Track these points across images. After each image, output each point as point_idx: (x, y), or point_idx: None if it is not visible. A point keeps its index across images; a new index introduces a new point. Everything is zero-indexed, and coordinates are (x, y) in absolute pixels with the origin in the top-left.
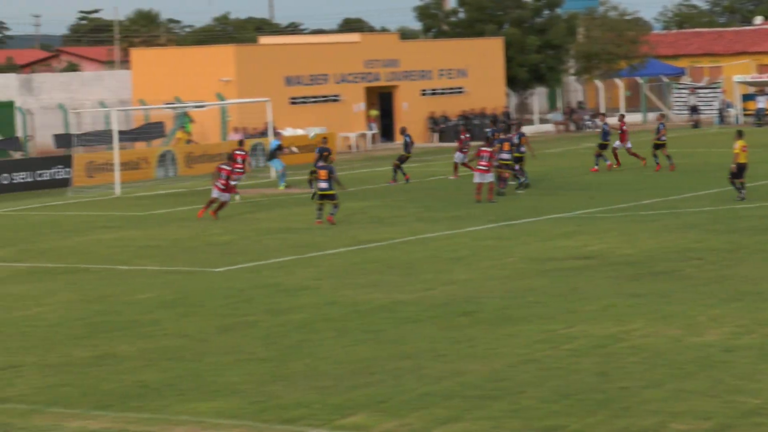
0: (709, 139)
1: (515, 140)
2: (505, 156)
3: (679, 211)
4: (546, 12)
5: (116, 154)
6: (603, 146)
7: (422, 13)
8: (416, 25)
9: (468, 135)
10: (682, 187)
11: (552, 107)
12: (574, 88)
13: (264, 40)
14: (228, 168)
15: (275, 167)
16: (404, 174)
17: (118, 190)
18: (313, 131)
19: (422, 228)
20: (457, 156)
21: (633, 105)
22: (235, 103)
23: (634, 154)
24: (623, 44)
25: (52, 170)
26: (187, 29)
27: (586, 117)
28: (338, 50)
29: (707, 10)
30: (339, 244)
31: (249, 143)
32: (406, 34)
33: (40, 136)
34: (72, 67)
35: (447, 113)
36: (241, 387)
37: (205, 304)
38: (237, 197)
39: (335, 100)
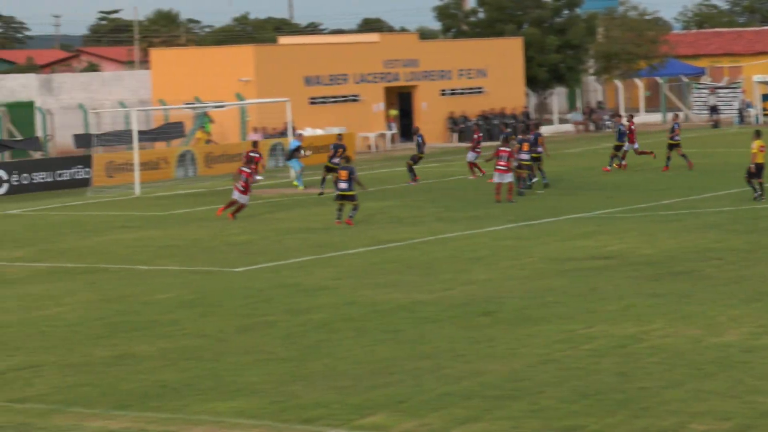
0: (728, 139)
1: (531, 140)
2: (524, 156)
3: (699, 211)
4: (566, 12)
5: (136, 154)
6: (618, 147)
7: (442, 13)
8: (435, 25)
9: (481, 134)
10: (702, 187)
11: (571, 107)
12: (594, 88)
13: (283, 40)
14: (248, 170)
15: (294, 168)
16: (414, 175)
17: (137, 190)
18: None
19: (442, 228)
20: (470, 155)
21: (652, 105)
22: (254, 103)
23: (642, 153)
24: (643, 44)
25: (72, 170)
26: (207, 29)
27: (606, 117)
28: (358, 50)
29: (727, 10)
30: (358, 244)
31: (268, 143)
32: (425, 34)
33: (60, 136)
34: (92, 68)
35: (466, 113)
36: (261, 387)
37: (225, 304)
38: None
39: (354, 100)
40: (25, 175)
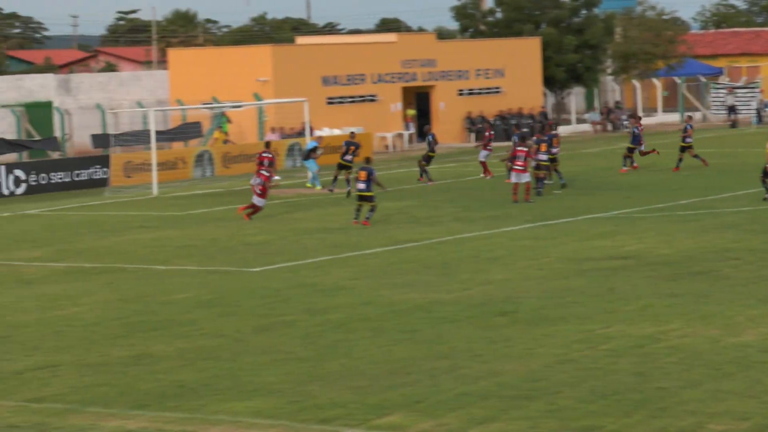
0: (746, 139)
1: (547, 140)
2: (543, 157)
3: (717, 211)
4: (583, 12)
5: (154, 154)
6: (631, 150)
7: (459, 13)
8: (453, 25)
9: (492, 133)
10: (720, 187)
11: (589, 107)
12: (612, 88)
13: (301, 40)
14: (267, 174)
15: (311, 169)
16: (420, 176)
17: (155, 190)
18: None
19: (459, 228)
20: (482, 154)
21: (670, 105)
22: (272, 103)
23: (646, 153)
24: (661, 44)
25: (90, 170)
26: (225, 29)
27: (624, 117)
28: (375, 50)
29: (745, 10)
30: (376, 244)
31: (286, 143)
32: (443, 34)
33: (78, 136)
34: (110, 68)
35: (484, 113)
36: (278, 387)
37: (242, 304)
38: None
39: (372, 100)
40: (43, 175)
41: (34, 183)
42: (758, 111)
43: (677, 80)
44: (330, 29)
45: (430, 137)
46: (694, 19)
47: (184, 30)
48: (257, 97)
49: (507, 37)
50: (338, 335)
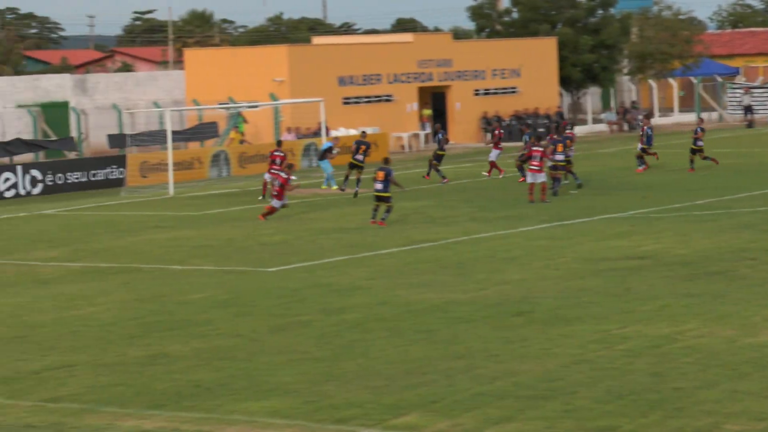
0: (763, 139)
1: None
2: (559, 157)
3: (734, 211)
4: (600, 12)
5: (170, 154)
6: (644, 150)
7: (475, 13)
8: (469, 25)
9: (502, 131)
10: (737, 187)
11: (605, 107)
12: (628, 88)
13: (317, 40)
14: (285, 176)
15: (325, 170)
16: (427, 174)
17: (171, 190)
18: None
19: (475, 228)
20: (493, 154)
21: (687, 105)
22: (288, 103)
23: (650, 154)
24: (677, 44)
25: (106, 170)
26: (241, 29)
27: (640, 117)
28: (391, 50)
29: (762, 10)
30: (392, 244)
31: (302, 143)
32: (459, 34)
33: (94, 136)
34: (126, 68)
35: (500, 113)
36: (294, 387)
37: (258, 304)
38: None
39: (388, 100)
40: (59, 175)
41: (50, 183)
42: None
43: (693, 80)
44: (346, 29)
45: (439, 136)
46: (711, 19)
47: (200, 30)
48: (273, 97)
49: (523, 37)
50: (354, 335)
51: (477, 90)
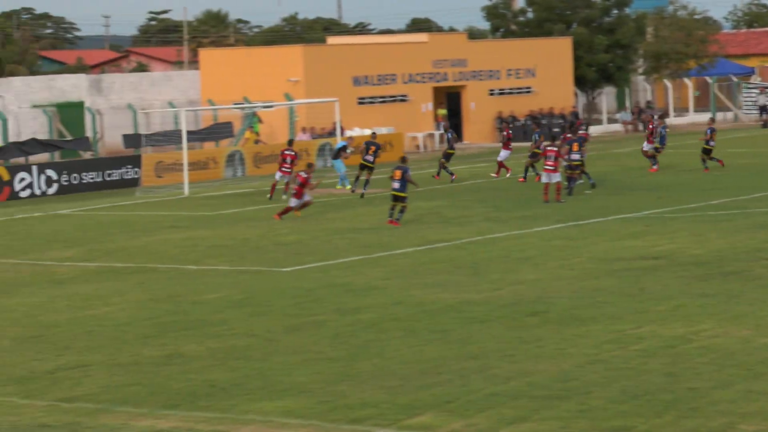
0: None
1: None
2: (575, 156)
3: (749, 211)
4: (615, 11)
5: (185, 154)
6: (657, 149)
7: (490, 12)
8: (484, 25)
9: (511, 132)
10: (752, 187)
11: (620, 107)
12: (643, 88)
13: (332, 40)
14: (305, 175)
15: (338, 169)
16: (437, 174)
17: (186, 190)
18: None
19: (490, 228)
20: (502, 154)
21: (702, 105)
22: (303, 103)
23: (652, 155)
24: (692, 44)
25: (121, 170)
26: (256, 29)
27: (655, 117)
28: (406, 50)
29: None
30: (407, 244)
31: (317, 143)
32: (474, 34)
33: (110, 136)
34: (141, 68)
35: (515, 113)
36: (309, 387)
37: (273, 304)
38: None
39: (403, 100)
40: (74, 175)
41: (65, 183)
42: None
43: (709, 80)
44: (361, 29)
45: (449, 135)
46: (726, 19)
47: (215, 30)
48: (288, 97)
49: (538, 36)
50: (369, 335)
51: (492, 90)
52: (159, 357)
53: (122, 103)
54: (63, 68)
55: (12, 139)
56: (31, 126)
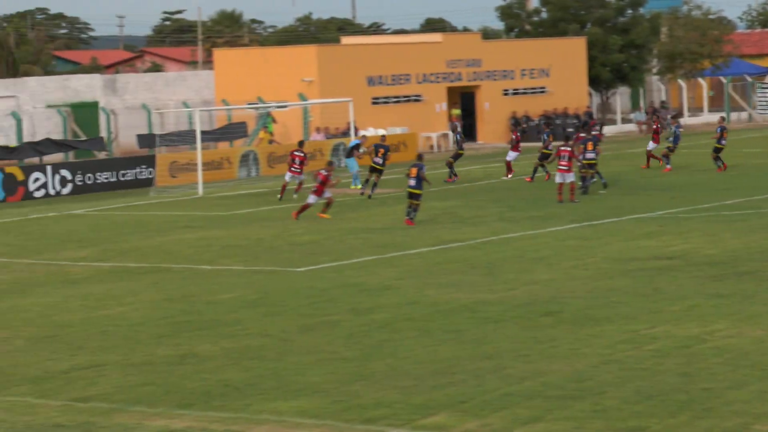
0: None
1: (594, 139)
2: (590, 155)
3: (764, 211)
4: (629, 11)
5: (199, 154)
6: (671, 149)
7: (505, 12)
8: (498, 25)
9: (519, 134)
10: (767, 188)
11: (634, 107)
12: (657, 88)
13: (346, 40)
14: (325, 173)
15: (351, 169)
16: (449, 177)
17: (200, 190)
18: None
19: (504, 228)
20: (510, 155)
21: (716, 105)
22: (317, 103)
23: (654, 156)
24: (707, 44)
25: (136, 170)
26: (270, 29)
27: (668, 117)
28: (420, 50)
29: None
30: (421, 244)
31: (331, 143)
32: (488, 34)
33: (124, 136)
34: (155, 68)
35: (529, 113)
36: (323, 386)
37: (288, 304)
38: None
39: (417, 100)
40: (89, 175)
41: (80, 183)
42: None
43: (723, 80)
44: (375, 29)
45: (457, 136)
46: (740, 19)
47: (229, 30)
48: (302, 97)
49: (552, 36)
50: (383, 335)
51: (506, 90)
52: (173, 357)
53: (137, 103)
54: (77, 68)
55: (27, 139)
56: (46, 126)
